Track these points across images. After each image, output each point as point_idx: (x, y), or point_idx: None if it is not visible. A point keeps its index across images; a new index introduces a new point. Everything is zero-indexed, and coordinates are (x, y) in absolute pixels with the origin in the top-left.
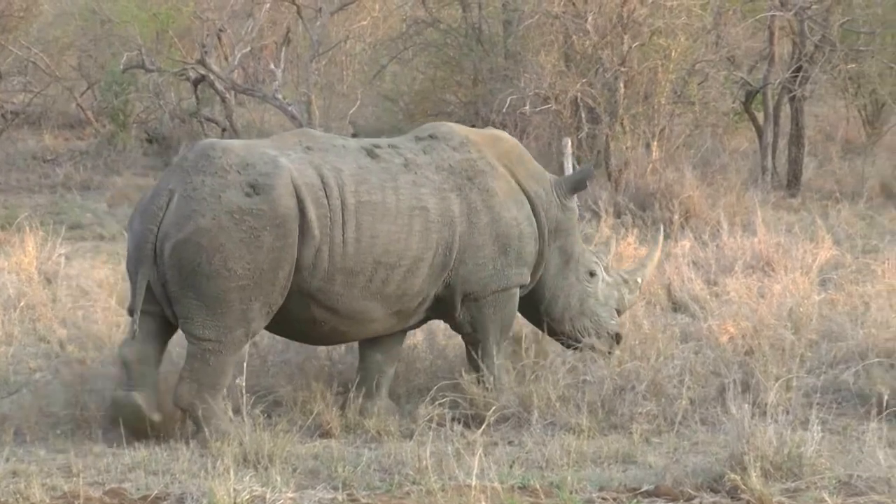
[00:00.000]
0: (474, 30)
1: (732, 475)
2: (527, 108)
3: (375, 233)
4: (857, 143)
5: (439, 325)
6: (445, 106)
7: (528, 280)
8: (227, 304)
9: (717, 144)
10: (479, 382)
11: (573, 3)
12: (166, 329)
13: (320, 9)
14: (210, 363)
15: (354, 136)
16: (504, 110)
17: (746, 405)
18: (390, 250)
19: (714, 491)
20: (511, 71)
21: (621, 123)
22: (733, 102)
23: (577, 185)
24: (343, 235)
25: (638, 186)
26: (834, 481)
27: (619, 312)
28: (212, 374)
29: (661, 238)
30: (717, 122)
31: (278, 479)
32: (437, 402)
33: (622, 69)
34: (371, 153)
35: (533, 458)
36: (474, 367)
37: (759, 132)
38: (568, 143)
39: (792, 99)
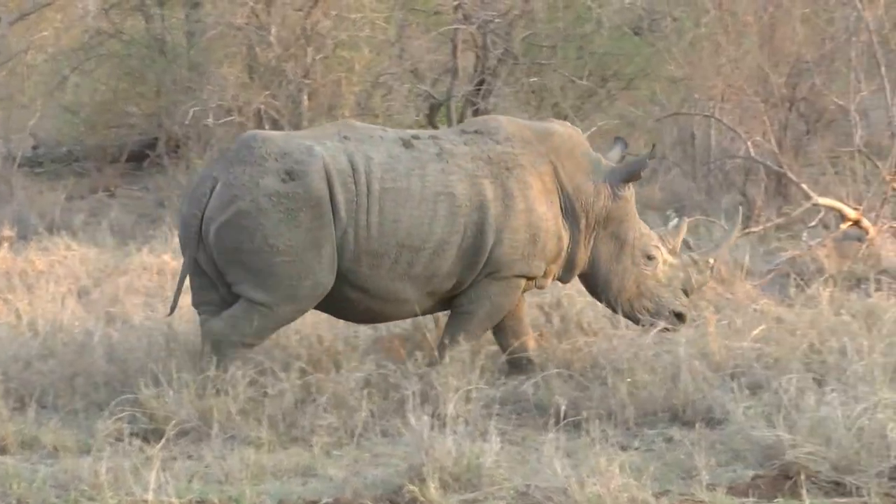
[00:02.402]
0: (157, 41)
1: (411, 486)
2: (210, 119)
3: (398, 217)
4: None
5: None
6: (128, 118)
7: (540, 275)
8: (275, 277)
9: None
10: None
11: (256, 15)
12: (227, 305)
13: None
14: (253, 321)
15: (35, 148)
16: (187, 122)
17: (426, 417)
18: (413, 234)
19: (393, 503)
20: (194, 83)
21: None
22: (417, 115)
23: (631, 175)
24: (367, 219)
25: None
26: (512, 492)
27: (686, 293)
28: (250, 329)
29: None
30: None
31: None
32: (115, 417)
33: (306, 81)
34: (407, 143)
35: (212, 473)
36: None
37: None
38: None
39: (476, 112)
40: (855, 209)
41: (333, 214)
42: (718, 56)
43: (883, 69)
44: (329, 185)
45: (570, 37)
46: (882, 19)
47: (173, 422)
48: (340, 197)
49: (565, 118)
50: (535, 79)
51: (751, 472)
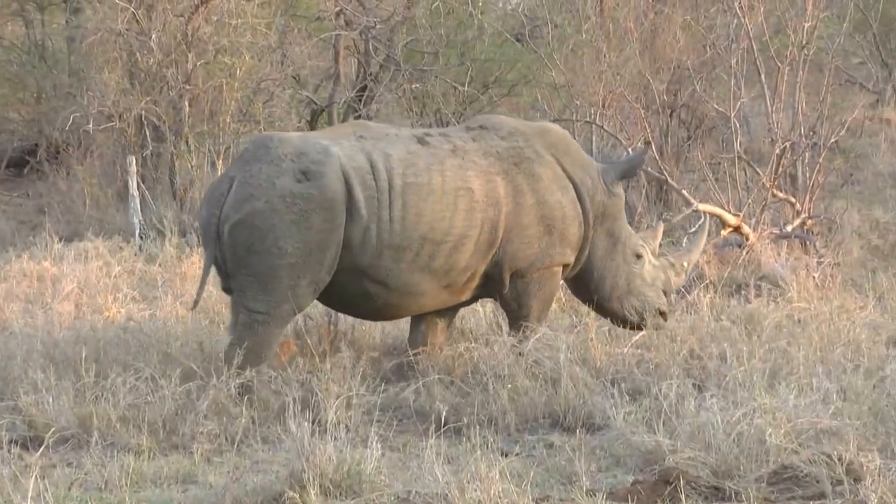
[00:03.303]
0: (37, 47)
1: (292, 493)
2: (90, 125)
3: (420, 211)
4: None
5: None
6: (8, 123)
7: (572, 260)
8: (276, 279)
9: None
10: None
11: (137, 21)
12: None
13: None
14: (258, 333)
15: None
16: (67, 128)
17: (306, 423)
18: (435, 227)
19: None
20: (75, 88)
21: (186, 142)
22: (299, 121)
23: (626, 172)
24: (390, 214)
25: None
26: (393, 498)
27: (666, 294)
28: (258, 343)
29: (706, 225)
30: None
31: None
32: None
33: (187, 87)
34: (421, 140)
35: (92, 480)
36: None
37: None
38: (133, 161)
39: (357, 118)
40: (735, 215)
41: (352, 213)
42: (600, 62)
43: (763, 76)
44: (347, 184)
45: (452, 43)
46: (762, 26)
47: (53, 429)
48: (360, 195)
49: (447, 125)
50: (418, 85)
51: (631, 478)
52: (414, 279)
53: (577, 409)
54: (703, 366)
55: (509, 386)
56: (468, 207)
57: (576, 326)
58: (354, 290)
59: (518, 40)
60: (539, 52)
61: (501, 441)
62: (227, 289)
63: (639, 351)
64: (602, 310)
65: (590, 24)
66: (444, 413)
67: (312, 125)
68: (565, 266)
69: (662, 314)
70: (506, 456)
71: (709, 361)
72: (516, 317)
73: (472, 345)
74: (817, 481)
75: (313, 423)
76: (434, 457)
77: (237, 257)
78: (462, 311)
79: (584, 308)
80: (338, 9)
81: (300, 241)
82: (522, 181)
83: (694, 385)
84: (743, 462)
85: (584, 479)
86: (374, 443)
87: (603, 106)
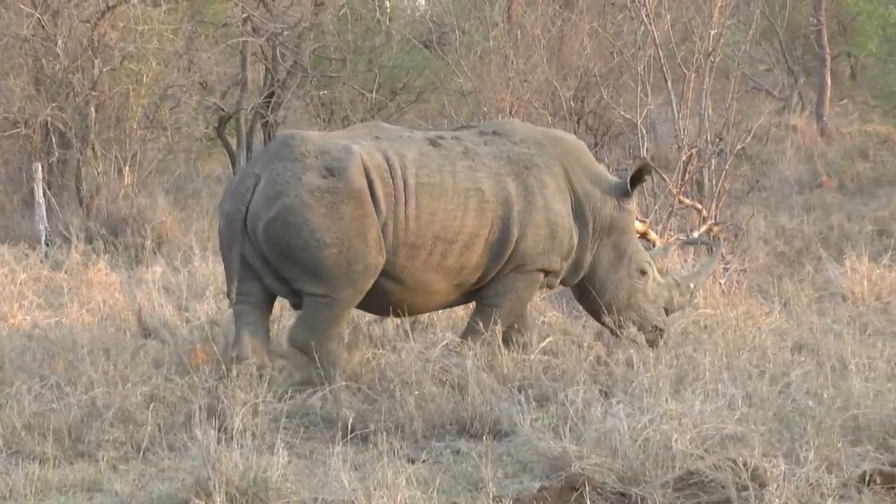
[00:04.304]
0: None
1: (198, 501)
2: None
3: (433, 210)
4: None
5: None
6: None
7: (557, 269)
8: (326, 269)
9: (190, 169)
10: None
11: (43, 27)
12: (267, 296)
13: None
14: (321, 314)
15: None
16: None
17: (212, 430)
18: (447, 226)
19: None
20: None
21: (93, 148)
22: (206, 128)
23: (637, 179)
24: (405, 212)
25: (110, 212)
26: None
27: (667, 311)
28: (323, 324)
29: (720, 250)
30: (190, 147)
31: None
32: None
33: (93, 93)
34: (434, 142)
35: None
36: (467, 330)
37: (233, 157)
38: (38, 167)
39: (265, 124)
40: (642, 221)
41: (374, 207)
42: (507, 69)
43: (669, 83)
44: (368, 179)
45: (360, 50)
46: (668, 33)
47: None
48: (380, 191)
49: None
50: (325, 91)
51: (537, 484)
52: (428, 277)
53: (483, 416)
54: (609, 372)
55: (416, 392)
56: (479, 207)
57: (483, 333)
58: (372, 287)
59: (426, 47)
60: (447, 59)
61: (408, 448)
62: (238, 293)
63: (546, 357)
64: (599, 320)
65: (497, 31)
66: (350, 420)
67: (220, 132)
68: (548, 273)
69: (660, 331)
70: (412, 462)
71: (615, 367)
72: (486, 309)
73: (380, 351)
74: (723, 487)
75: (220, 430)
76: (341, 464)
77: (279, 252)
78: (368, 316)
79: None
80: (245, 15)
81: (337, 231)
82: (532, 183)
83: (600, 391)
84: (649, 468)
85: (490, 485)
86: (281, 450)
87: (510, 112)
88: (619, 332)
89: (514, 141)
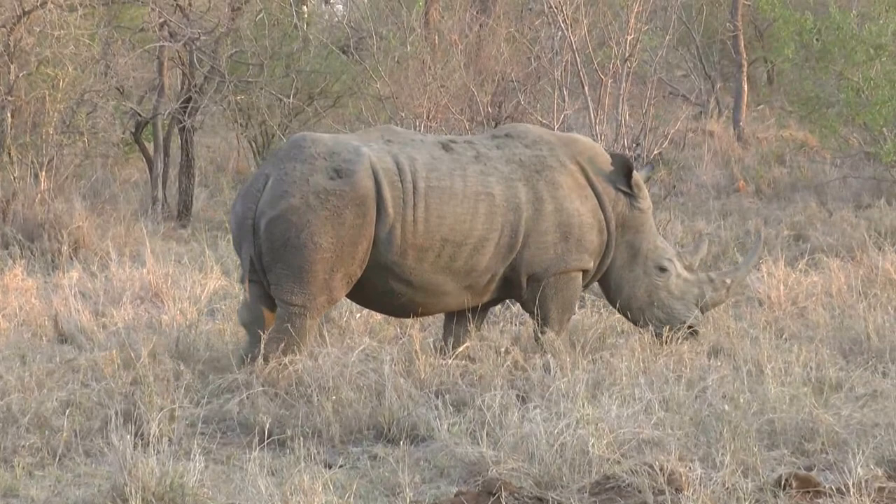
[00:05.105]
0: None
1: None
2: None
3: (442, 214)
4: (248, 174)
5: None
6: None
7: (590, 266)
8: (312, 273)
9: (107, 175)
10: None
11: None
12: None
13: None
14: (295, 325)
15: None
16: None
17: (129, 436)
18: (456, 230)
19: None
20: None
21: (9, 153)
22: (123, 133)
23: (628, 181)
24: (414, 215)
25: (26, 217)
26: None
27: (703, 309)
28: (296, 335)
29: (761, 243)
30: (107, 152)
31: None
32: None
33: (9, 98)
34: (446, 146)
35: None
36: (537, 340)
37: (150, 163)
38: None
39: (182, 130)
40: None
41: (381, 211)
42: (425, 75)
43: (586, 88)
44: (376, 183)
45: (277, 55)
46: (585, 39)
47: None
48: (388, 194)
49: (273, 137)
50: (242, 97)
51: (454, 489)
52: (437, 279)
53: (401, 421)
54: (526, 377)
55: (333, 398)
56: (489, 212)
57: (400, 338)
58: (381, 288)
59: (343, 52)
60: (364, 64)
61: (325, 453)
62: (242, 280)
63: (463, 362)
64: (627, 317)
65: (415, 37)
66: (268, 425)
67: (137, 137)
68: (585, 272)
69: (693, 331)
70: (330, 468)
71: (532, 372)
72: (541, 321)
73: (297, 357)
74: (639, 491)
75: (136, 436)
76: (258, 469)
77: (274, 252)
78: None
79: (409, 320)
80: (162, 20)
81: (334, 236)
82: (543, 188)
83: (518, 396)
84: (566, 472)
85: (407, 490)
86: (198, 455)
87: (427, 118)
88: (656, 333)
89: (527, 143)
